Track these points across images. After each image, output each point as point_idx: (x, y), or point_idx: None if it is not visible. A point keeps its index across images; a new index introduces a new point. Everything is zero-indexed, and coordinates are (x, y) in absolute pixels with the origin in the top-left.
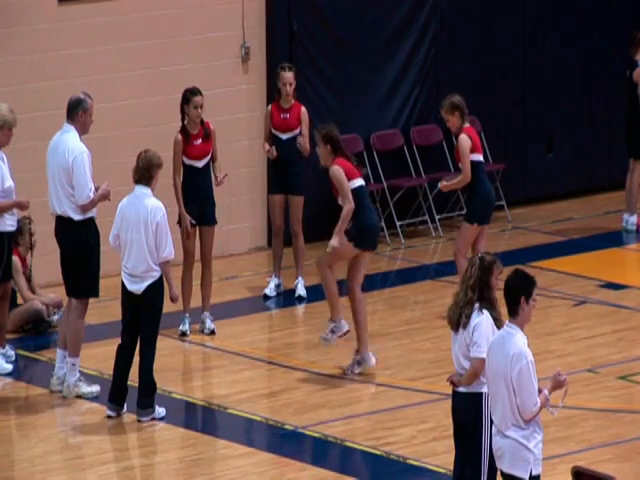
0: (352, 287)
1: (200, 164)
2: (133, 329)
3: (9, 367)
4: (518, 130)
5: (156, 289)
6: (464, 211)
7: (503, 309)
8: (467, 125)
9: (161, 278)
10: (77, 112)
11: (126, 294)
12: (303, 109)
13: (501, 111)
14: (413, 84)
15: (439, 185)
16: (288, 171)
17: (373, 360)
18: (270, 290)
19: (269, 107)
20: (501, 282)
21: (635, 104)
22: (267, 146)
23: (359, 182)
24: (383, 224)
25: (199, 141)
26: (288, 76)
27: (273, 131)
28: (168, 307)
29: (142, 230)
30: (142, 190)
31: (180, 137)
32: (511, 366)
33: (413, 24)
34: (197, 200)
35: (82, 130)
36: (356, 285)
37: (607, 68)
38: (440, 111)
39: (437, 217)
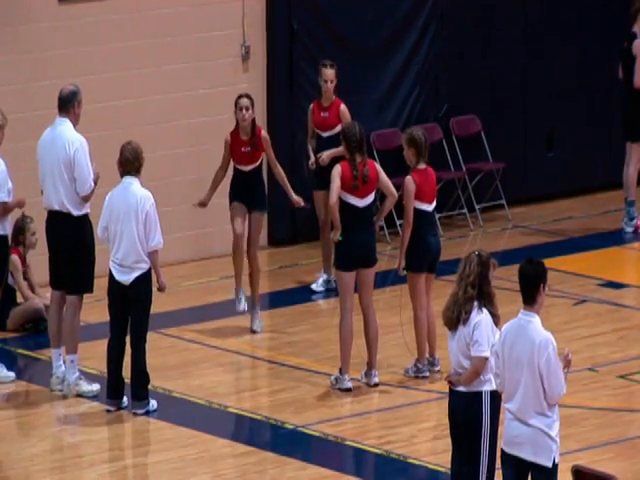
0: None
1: (247, 169)
2: (122, 320)
3: (12, 375)
4: (518, 129)
5: (144, 281)
6: (464, 210)
7: (501, 307)
8: (422, 167)
9: (150, 270)
10: (72, 104)
11: (113, 285)
12: (342, 107)
13: (501, 110)
14: (413, 83)
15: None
16: (328, 169)
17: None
18: (317, 285)
19: (311, 105)
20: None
21: (631, 75)
22: (312, 156)
23: None
24: (383, 223)
25: (247, 149)
26: (329, 73)
27: (314, 129)
28: (165, 306)
29: (132, 220)
30: (131, 180)
31: (229, 138)
32: (539, 353)
33: (413, 23)
34: (245, 189)
35: (77, 121)
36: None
37: (607, 67)
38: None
39: (437, 216)
